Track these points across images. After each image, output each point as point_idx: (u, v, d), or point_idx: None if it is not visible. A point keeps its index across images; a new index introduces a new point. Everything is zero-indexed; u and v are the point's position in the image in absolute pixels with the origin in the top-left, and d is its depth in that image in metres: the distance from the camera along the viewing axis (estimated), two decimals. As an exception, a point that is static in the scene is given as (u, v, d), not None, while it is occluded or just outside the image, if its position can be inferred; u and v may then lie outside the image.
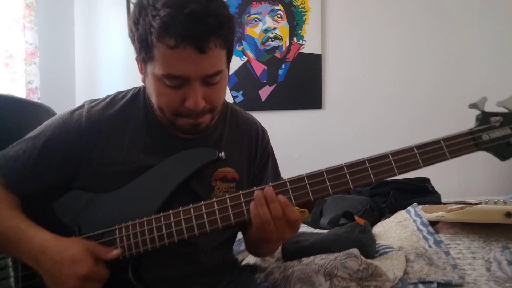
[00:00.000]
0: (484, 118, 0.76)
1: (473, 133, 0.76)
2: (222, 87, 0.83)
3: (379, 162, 0.75)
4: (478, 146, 0.75)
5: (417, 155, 0.75)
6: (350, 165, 0.76)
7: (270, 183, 0.77)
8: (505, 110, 0.76)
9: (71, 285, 0.72)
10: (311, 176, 0.76)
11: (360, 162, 0.76)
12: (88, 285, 0.73)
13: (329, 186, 0.75)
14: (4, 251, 0.80)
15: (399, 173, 0.75)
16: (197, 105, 0.78)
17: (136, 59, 0.84)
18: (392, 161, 0.75)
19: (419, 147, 0.75)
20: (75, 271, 0.72)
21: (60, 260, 0.73)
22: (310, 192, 0.76)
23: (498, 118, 0.76)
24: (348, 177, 0.75)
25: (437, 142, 0.75)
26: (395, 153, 0.76)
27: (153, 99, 0.83)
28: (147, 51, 0.76)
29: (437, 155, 0.75)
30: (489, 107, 0.78)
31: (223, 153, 0.82)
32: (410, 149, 0.75)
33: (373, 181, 0.76)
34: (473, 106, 0.78)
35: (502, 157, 0.76)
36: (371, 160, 0.76)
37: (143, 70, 0.83)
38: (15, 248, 0.77)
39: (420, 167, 0.75)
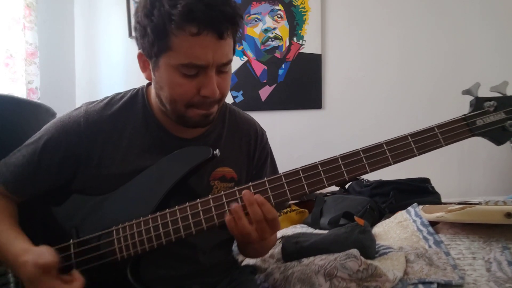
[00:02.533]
0: (478, 103, 0.76)
1: (467, 118, 0.76)
2: (229, 76, 0.86)
3: (374, 152, 0.76)
4: (472, 131, 0.75)
5: (411, 143, 0.75)
6: (344, 157, 0.77)
7: (266, 178, 0.77)
8: (499, 95, 0.76)
9: None
10: (306, 169, 0.77)
11: (355, 153, 0.76)
12: None
13: (324, 179, 0.76)
14: None
15: (394, 162, 0.75)
16: (214, 93, 0.79)
17: (140, 55, 0.83)
18: (387, 151, 0.76)
19: (413, 135, 0.76)
20: None
21: (23, 278, 0.74)
22: (305, 185, 0.76)
23: (492, 103, 0.75)
24: (343, 168, 0.76)
25: (431, 129, 0.76)
26: (389, 142, 0.76)
27: (165, 92, 0.82)
28: (163, 42, 0.76)
29: (431, 143, 0.75)
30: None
31: (217, 150, 0.82)
32: (404, 137, 0.76)
33: (368, 171, 0.76)
34: (466, 92, 0.78)
35: (498, 141, 0.76)
36: (365, 150, 0.76)
37: (150, 66, 0.82)
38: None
39: (415, 155, 0.75)
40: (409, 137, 0.76)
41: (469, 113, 0.76)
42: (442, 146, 0.75)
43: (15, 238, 0.79)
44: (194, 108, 0.82)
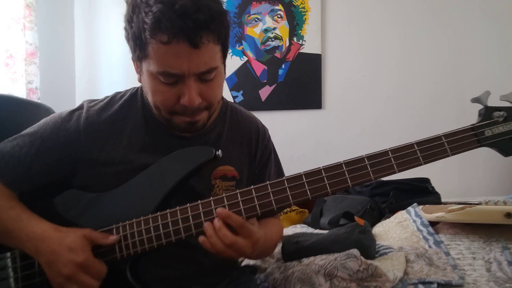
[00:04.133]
0: (487, 113, 0.74)
1: (475, 128, 0.74)
2: (218, 83, 0.84)
3: (379, 159, 0.74)
4: (480, 142, 0.74)
5: (418, 151, 0.74)
6: (348, 163, 0.75)
7: (268, 182, 0.77)
8: (509, 104, 0.74)
9: (66, 272, 0.72)
10: (309, 174, 0.76)
11: (359, 160, 0.75)
12: (83, 276, 0.72)
13: (327, 185, 0.75)
14: (3, 240, 0.79)
15: (399, 171, 0.74)
16: (192, 102, 0.78)
17: (132, 58, 0.84)
18: (392, 158, 0.74)
19: (419, 143, 0.74)
20: (71, 258, 0.72)
21: (58, 248, 0.73)
22: (308, 191, 0.75)
23: (501, 113, 0.74)
24: (347, 175, 0.74)
25: (438, 138, 0.74)
26: (395, 150, 0.74)
27: (149, 98, 0.84)
28: (142, 49, 0.76)
29: (438, 152, 0.73)
30: (492, 103, 0.76)
31: (220, 151, 0.82)
32: (410, 145, 0.74)
33: (373, 179, 0.74)
34: (476, 100, 0.76)
35: (505, 153, 0.74)
36: (370, 157, 0.75)
37: (138, 69, 0.83)
38: (15, 237, 0.77)
39: (420, 164, 0.74)
40: (415, 145, 0.74)
41: (478, 122, 0.75)
42: (448, 155, 0.73)
43: (39, 217, 0.79)
44: (178, 115, 0.82)
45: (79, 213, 0.83)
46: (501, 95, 0.75)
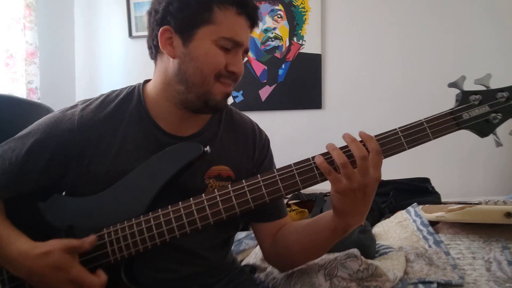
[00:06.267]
0: (464, 97, 0.78)
1: (454, 112, 0.78)
2: None
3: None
4: (459, 125, 0.77)
5: (401, 137, 0.77)
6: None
7: (259, 175, 0.78)
8: (484, 88, 0.78)
9: None
10: (299, 165, 0.78)
11: (347, 147, 0.79)
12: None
13: (317, 174, 0.77)
14: None
15: (385, 156, 0.77)
16: (241, 68, 0.87)
17: (164, 32, 0.83)
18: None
19: (403, 130, 0.77)
20: (63, 277, 0.71)
21: (43, 269, 0.72)
22: (299, 181, 0.77)
23: (477, 96, 0.77)
24: (336, 164, 0.77)
25: (420, 124, 0.77)
26: (380, 138, 0.78)
27: (196, 63, 0.83)
28: (206, 15, 0.81)
29: (420, 137, 0.77)
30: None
31: (208, 147, 0.82)
32: (394, 132, 0.78)
33: None
34: (452, 85, 0.80)
35: (482, 134, 0.78)
36: None
37: (178, 40, 0.83)
38: None
39: (405, 149, 0.77)
40: (399, 132, 0.77)
41: (456, 107, 0.78)
42: (430, 139, 0.77)
43: (18, 235, 0.77)
44: (219, 83, 0.84)
45: (69, 219, 0.80)
46: (475, 79, 0.78)
